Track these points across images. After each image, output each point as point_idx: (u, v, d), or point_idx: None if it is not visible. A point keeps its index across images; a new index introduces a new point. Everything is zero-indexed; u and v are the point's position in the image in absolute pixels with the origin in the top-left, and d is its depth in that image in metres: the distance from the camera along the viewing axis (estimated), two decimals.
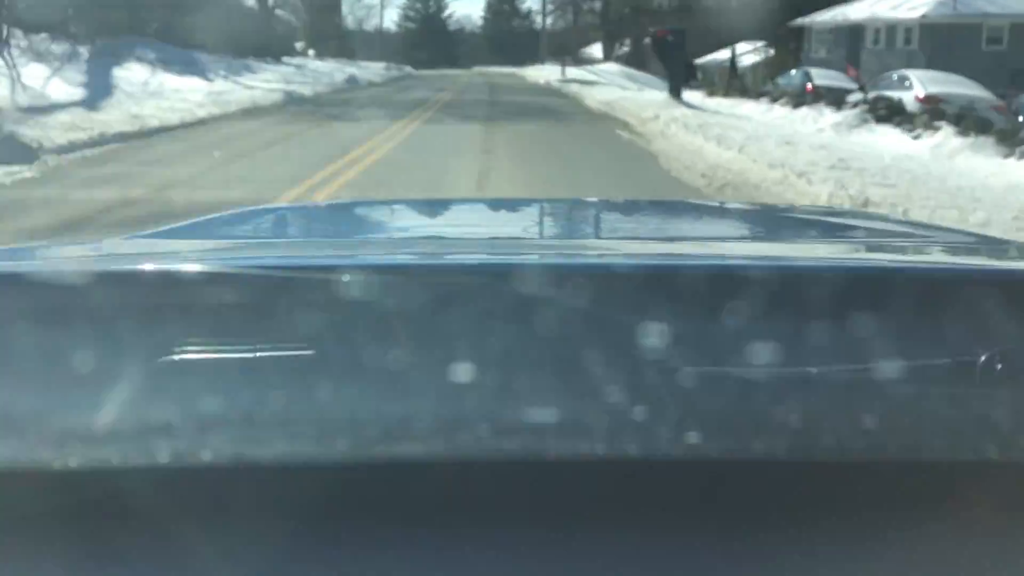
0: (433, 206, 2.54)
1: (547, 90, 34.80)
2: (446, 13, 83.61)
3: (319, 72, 35.50)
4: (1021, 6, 30.57)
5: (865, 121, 16.48)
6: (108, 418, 0.80)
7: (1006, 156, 11.44)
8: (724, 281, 0.91)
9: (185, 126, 15.31)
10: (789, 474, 0.82)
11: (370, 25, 75.24)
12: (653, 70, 58.20)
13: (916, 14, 32.34)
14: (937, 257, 1.35)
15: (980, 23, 31.49)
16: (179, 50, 26.64)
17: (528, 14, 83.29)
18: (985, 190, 9.30)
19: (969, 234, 1.94)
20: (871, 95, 18.94)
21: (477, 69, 63.76)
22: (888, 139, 14.37)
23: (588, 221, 2.07)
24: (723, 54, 64.22)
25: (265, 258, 1.07)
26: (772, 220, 2.22)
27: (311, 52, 53.35)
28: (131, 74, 21.79)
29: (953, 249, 1.49)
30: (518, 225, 2.03)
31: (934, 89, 19.67)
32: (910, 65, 37.82)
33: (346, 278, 0.85)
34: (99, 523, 0.76)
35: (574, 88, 35.00)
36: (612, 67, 54.03)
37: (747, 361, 0.83)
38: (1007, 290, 0.95)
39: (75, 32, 23.60)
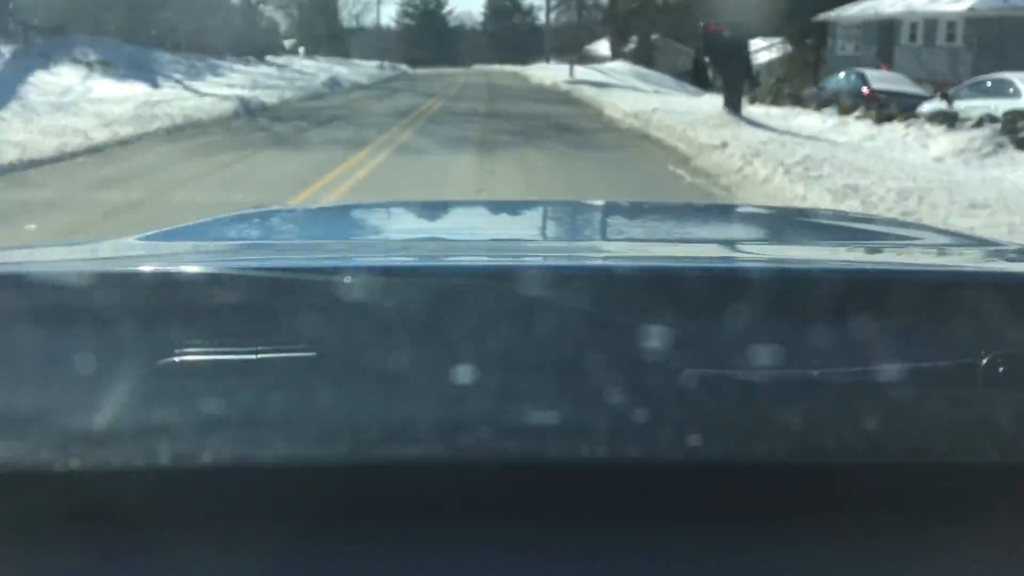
0: (435, 208, 2.54)
1: (555, 94, 29.09)
2: (446, 9, 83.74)
3: (301, 73, 33.88)
4: None
5: (1001, 147, 12.99)
6: (109, 419, 0.82)
7: None
8: (725, 283, 0.93)
9: (52, 160, 11.58)
10: (791, 477, 0.85)
11: (369, 21, 76.27)
12: (660, 67, 53.54)
13: (961, 7, 29.66)
14: (939, 259, 1.36)
15: None
16: (136, 49, 25.62)
17: (530, 10, 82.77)
18: None
19: (971, 237, 1.99)
20: (959, 103, 16.56)
21: (477, 68, 62.52)
22: None
23: (589, 223, 2.09)
24: None
25: (266, 260, 1.10)
26: (773, 222, 2.22)
27: (301, 50, 52.69)
28: (56, 79, 20.02)
29: (955, 252, 1.50)
30: (519, 227, 2.04)
31: None
32: (954, 64, 32.13)
33: (347, 280, 0.87)
34: (100, 524, 0.79)
35: (587, 92, 29.27)
36: (621, 65, 49.17)
37: (749, 363, 0.85)
38: (1009, 292, 0.96)
39: (13, 30, 22.84)
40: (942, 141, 13.19)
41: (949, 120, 14.23)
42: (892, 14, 33.17)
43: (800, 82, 45.98)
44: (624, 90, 30.46)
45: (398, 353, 0.84)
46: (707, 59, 17.48)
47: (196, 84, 22.79)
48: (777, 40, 54.50)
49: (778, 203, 9.19)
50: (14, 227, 7.72)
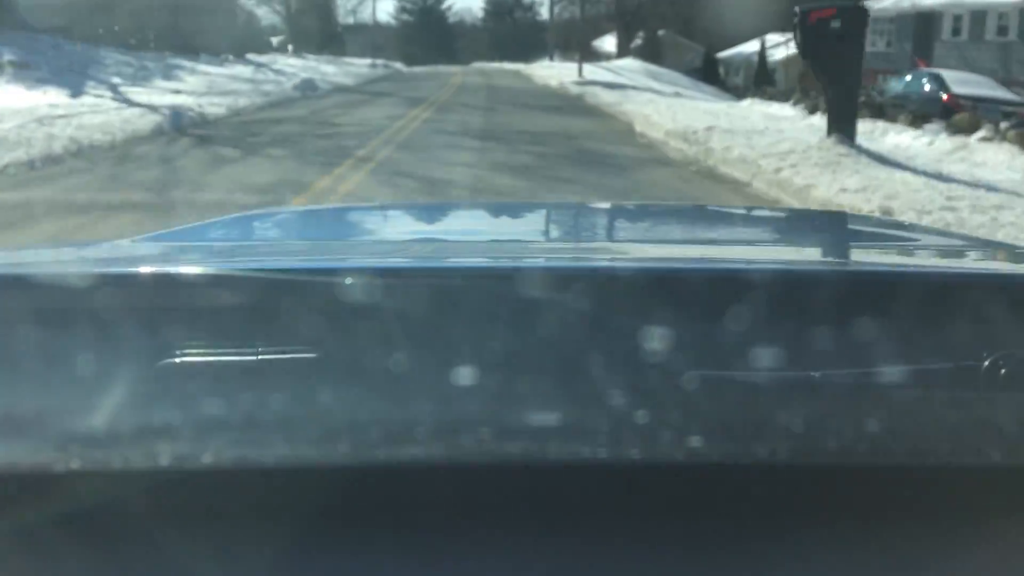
0: (436, 210, 2.76)
1: (566, 99, 24.10)
2: (445, 5, 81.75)
3: (279, 74, 30.82)
4: None
5: None
6: (110, 421, 0.83)
7: None
8: (727, 285, 0.95)
9: None
10: (792, 478, 0.85)
11: (365, 16, 69.53)
12: (667, 65, 49.18)
13: None
14: (941, 261, 1.38)
15: None
16: (84, 48, 24.01)
17: (531, 5, 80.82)
18: None
19: (973, 239, 2.17)
20: None
21: (476, 65, 60.35)
22: None
23: (590, 225, 2.15)
24: (748, 47, 54.71)
25: (267, 261, 1.12)
26: (776, 223, 2.32)
27: (290, 48, 50.47)
28: None
29: (957, 253, 1.54)
30: (520, 228, 2.08)
31: None
32: (1006, 60, 27.29)
33: (348, 281, 0.88)
34: (100, 525, 0.79)
35: (603, 96, 24.18)
36: (631, 63, 44.43)
37: (750, 365, 0.87)
38: (1011, 294, 0.98)
39: None
40: None
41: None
42: (932, 5, 30.98)
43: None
44: (646, 94, 25.16)
45: (399, 354, 0.86)
46: (808, 60, 11.67)
47: (136, 90, 20.07)
48: (792, 35, 48.65)
49: None
50: None
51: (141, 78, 22.62)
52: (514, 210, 2.45)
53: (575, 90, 28.65)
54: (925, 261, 1.37)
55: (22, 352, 0.89)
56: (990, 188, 9.22)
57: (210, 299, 0.89)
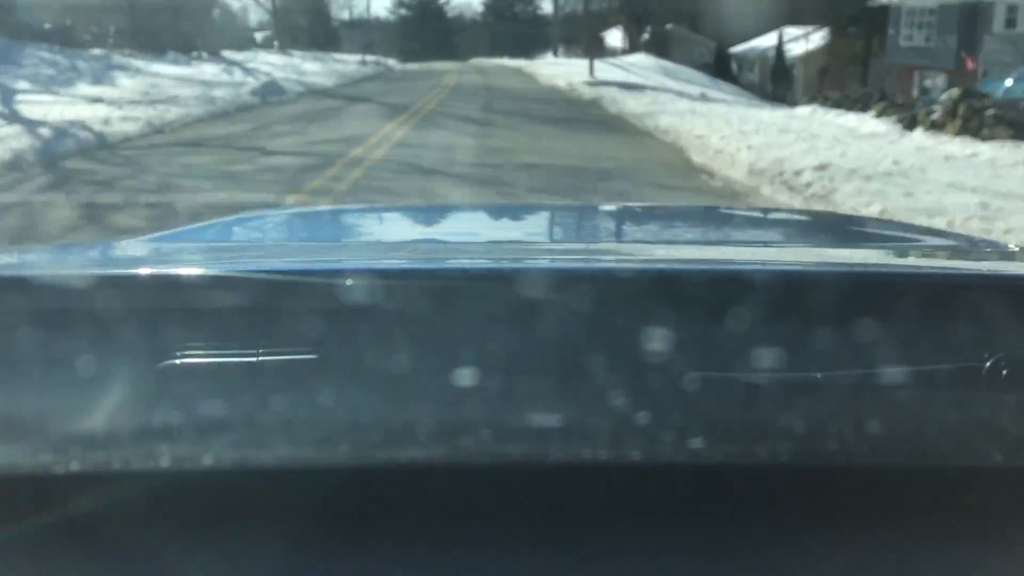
0: (437, 211, 2.72)
1: (580, 107, 20.19)
2: None
3: (249, 75, 26.79)
4: None
5: None
6: (110, 422, 0.84)
7: None
8: (728, 285, 0.95)
9: None
10: (793, 479, 0.87)
11: (360, 11, 66.13)
12: (677, 60, 45.03)
13: None
14: (943, 262, 1.39)
15: None
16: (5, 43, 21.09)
17: None
18: None
19: (975, 239, 2.05)
20: None
21: (475, 62, 57.35)
22: None
23: (592, 226, 2.10)
24: (764, 41, 49.80)
25: (268, 262, 1.13)
26: (776, 225, 2.29)
27: (276, 44, 46.74)
28: None
29: (959, 254, 1.56)
30: (521, 230, 2.07)
31: None
32: None
33: (349, 282, 0.88)
34: (100, 527, 0.80)
35: (626, 103, 20.57)
36: (643, 59, 40.42)
37: (751, 366, 0.87)
38: (1013, 295, 0.97)
39: None
40: None
41: None
42: None
43: (852, 80, 37.78)
44: (682, 101, 19.97)
45: (399, 355, 0.86)
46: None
47: (42, 98, 16.99)
48: (813, 28, 44.77)
49: None
50: None
51: (63, 82, 19.79)
52: (515, 212, 2.44)
53: (588, 93, 24.31)
54: (927, 262, 1.36)
55: (22, 354, 0.89)
56: None
57: (210, 300, 0.89)
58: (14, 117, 14.33)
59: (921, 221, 7.61)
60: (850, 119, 17.09)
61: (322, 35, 59.33)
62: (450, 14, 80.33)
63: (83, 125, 13.73)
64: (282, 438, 0.81)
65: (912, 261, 1.31)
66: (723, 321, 0.86)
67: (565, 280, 0.90)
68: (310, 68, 34.03)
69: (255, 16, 63.29)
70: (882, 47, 35.99)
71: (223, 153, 12.29)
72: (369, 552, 0.77)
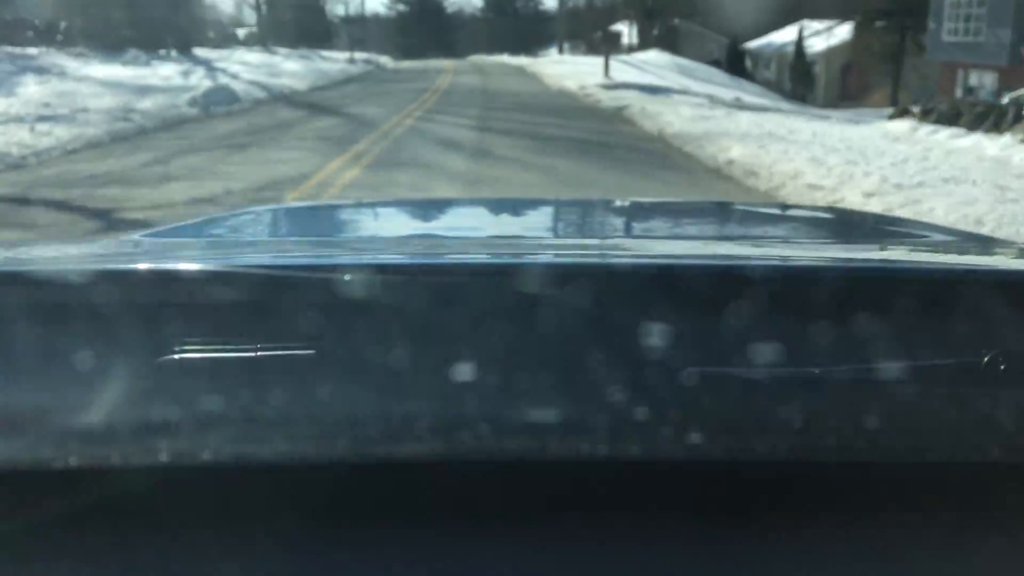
0: (435, 206, 2.69)
1: (601, 119, 15.73)
2: None
3: (211, 76, 23.18)
4: None
5: None
6: (108, 417, 0.83)
7: None
8: (726, 280, 0.94)
9: None
10: (792, 475, 0.87)
11: (355, 7, 63.69)
12: (687, 56, 40.76)
13: None
14: (941, 257, 1.34)
15: None
16: None
17: None
18: None
19: (973, 235, 2.00)
20: None
21: (473, 59, 53.80)
22: None
23: (591, 221, 2.10)
24: (780, 37, 44.55)
25: (266, 257, 1.11)
26: (775, 220, 2.25)
27: (260, 40, 44.89)
28: None
29: (957, 249, 1.53)
30: (519, 224, 2.06)
31: None
32: None
33: (347, 277, 0.87)
34: (99, 522, 0.81)
35: (664, 116, 17.07)
36: (657, 56, 36.34)
37: (749, 361, 0.87)
38: (1011, 290, 0.96)
39: None
40: None
41: None
42: None
43: (882, 79, 32.82)
44: (743, 115, 15.00)
45: (398, 350, 0.85)
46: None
47: None
48: (835, 23, 39.88)
49: None
50: None
51: None
52: (515, 206, 2.29)
53: (608, 99, 19.25)
54: (925, 257, 1.31)
55: (21, 349, 0.88)
56: None
57: (209, 295, 0.88)
58: None
59: None
60: (965, 141, 12.57)
61: (317, 31, 58.03)
62: (449, 10, 79.34)
63: None
64: (280, 433, 0.81)
65: (910, 256, 1.29)
66: (722, 316, 0.85)
67: (563, 275, 0.88)
68: (289, 68, 31.43)
69: (251, 13, 59.58)
70: (915, 43, 31.55)
71: (54, 214, 7.46)
72: (367, 547, 0.77)
